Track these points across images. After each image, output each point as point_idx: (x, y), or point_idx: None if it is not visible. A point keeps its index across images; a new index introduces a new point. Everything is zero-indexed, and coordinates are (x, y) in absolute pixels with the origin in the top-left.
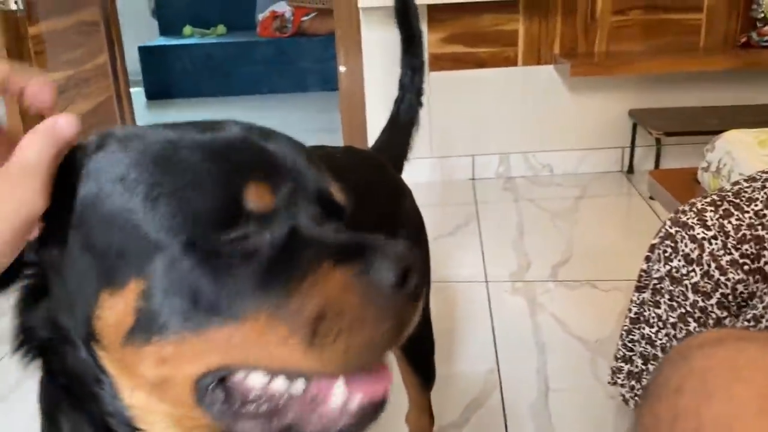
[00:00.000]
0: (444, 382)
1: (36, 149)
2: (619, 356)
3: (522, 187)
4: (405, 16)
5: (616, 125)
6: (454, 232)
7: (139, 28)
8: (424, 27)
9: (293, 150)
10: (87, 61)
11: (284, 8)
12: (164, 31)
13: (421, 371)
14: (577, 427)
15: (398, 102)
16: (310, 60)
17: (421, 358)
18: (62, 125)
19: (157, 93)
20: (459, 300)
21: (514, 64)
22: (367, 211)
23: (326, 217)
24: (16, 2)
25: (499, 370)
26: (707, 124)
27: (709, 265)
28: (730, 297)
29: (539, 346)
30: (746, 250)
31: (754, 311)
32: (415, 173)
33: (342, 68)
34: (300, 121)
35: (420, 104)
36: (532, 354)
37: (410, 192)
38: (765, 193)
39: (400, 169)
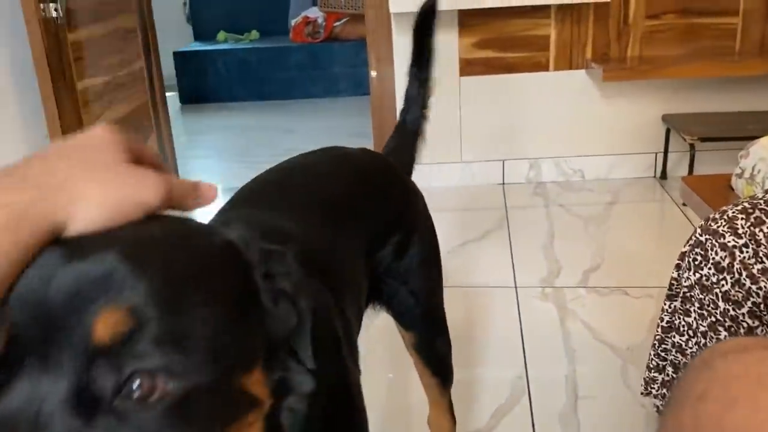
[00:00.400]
0: (471, 388)
1: (178, 182)
2: (652, 366)
3: (553, 192)
4: (424, 31)
5: (649, 130)
6: (483, 237)
7: (174, 34)
8: (455, 32)
9: (86, 288)
10: (124, 67)
11: (316, 14)
12: (198, 37)
13: (438, 371)
14: None
15: (404, 113)
16: (342, 65)
17: (437, 358)
18: (206, 189)
19: (190, 97)
20: (487, 305)
21: (546, 68)
22: (383, 210)
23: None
24: (56, 10)
25: (527, 377)
26: (742, 130)
27: (740, 274)
28: (762, 306)
29: (569, 353)
30: None
31: None
32: (445, 177)
33: (373, 73)
34: (332, 126)
35: (425, 117)
36: (561, 361)
37: (422, 195)
38: None
39: (409, 175)
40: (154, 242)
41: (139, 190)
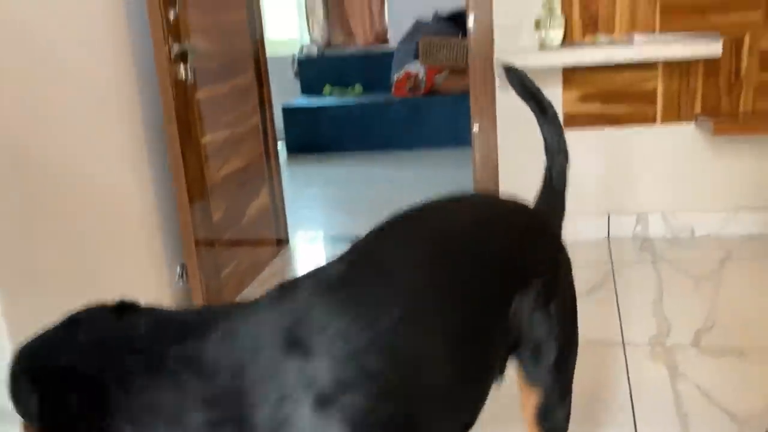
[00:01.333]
0: None
1: None
2: None
3: (661, 248)
4: (528, 94)
5: (766, 185)
6: (589, 293)
7: (283, 89)
8: (559, 86)
9: None
10: (242, 123)
11: (418, 68)
12: (305, 90)
13: None
14: None
15: (549, 169)
16: (442, 117)
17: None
18: None
19: (297, 148)
20: (595, 362)
21: (653, 121)
22: (533, 262)
23: None
24: (186, 71)
25: None
26: None
27: None
28: None
29: (681, 417)
30: None
31: None
32: None
33: (476, 127)
34: (433, 177)
35: (568, 165)
36: (674, 424)
37: (567, 253)
38: None
39: (559, 231)
40: None
41: None
